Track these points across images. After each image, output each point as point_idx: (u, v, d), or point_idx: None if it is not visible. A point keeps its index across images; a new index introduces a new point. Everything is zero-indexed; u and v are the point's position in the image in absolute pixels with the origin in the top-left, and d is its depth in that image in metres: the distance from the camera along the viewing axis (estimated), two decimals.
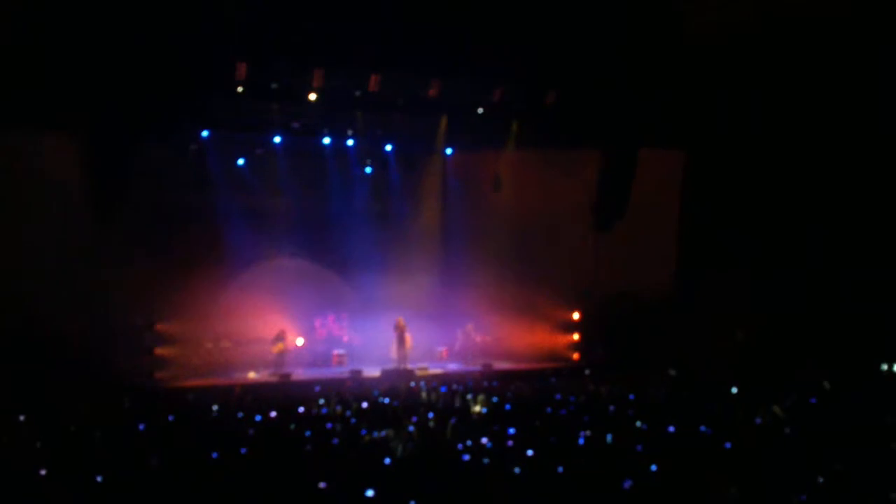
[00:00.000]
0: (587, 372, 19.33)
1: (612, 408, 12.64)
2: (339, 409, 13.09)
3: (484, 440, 9.87)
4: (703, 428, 10.61)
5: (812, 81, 18.21)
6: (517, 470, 8.34)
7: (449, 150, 24.14)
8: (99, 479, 8.16)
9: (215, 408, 13.52)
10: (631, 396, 14.08)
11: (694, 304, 20.69)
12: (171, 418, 12.31)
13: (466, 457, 8.98)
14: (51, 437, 10.64)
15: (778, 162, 19.68)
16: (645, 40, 18.37)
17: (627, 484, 7.81)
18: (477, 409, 12.92)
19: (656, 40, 18.27)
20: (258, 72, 18.66)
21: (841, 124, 18.43)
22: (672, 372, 17.72)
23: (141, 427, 11.38)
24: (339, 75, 19.21)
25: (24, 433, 11.12)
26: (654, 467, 8.40)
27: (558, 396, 14.00)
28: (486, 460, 8.94)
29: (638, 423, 11.13)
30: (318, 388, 16.82)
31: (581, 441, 10.00)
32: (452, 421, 11.10)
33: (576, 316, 23.68)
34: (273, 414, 12.50)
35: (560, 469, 8.33)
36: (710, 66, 18.71)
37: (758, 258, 20.07)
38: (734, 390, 14.37)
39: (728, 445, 9.49)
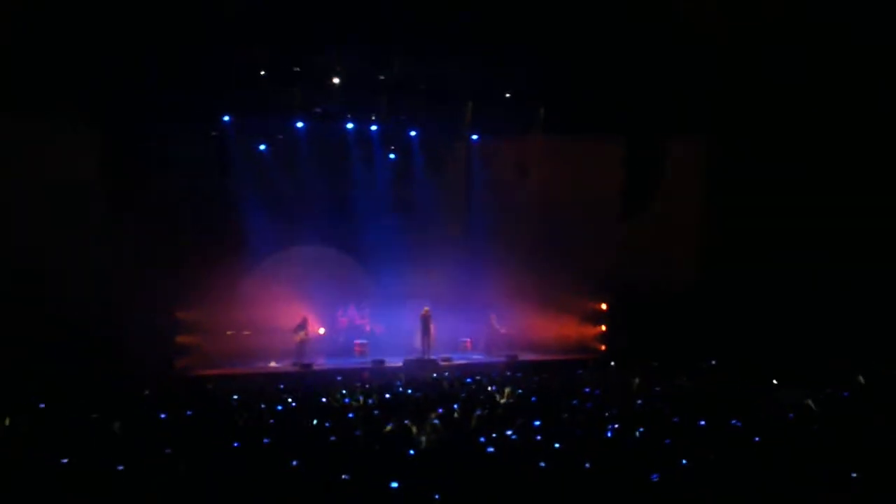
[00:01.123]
0: (612, 364, 19.11)
1: (639, 401, 12.42)
2: (361, 399, 12.96)
3: (509, 432, 9.70)
4: (734, 421, 10.41)
5: (839, 64, 17.83)
6: (542, 463, 8.17)
7: (475, 137, 23.93)
8: (120, 468, 8.05)
9: (236, 397, 13.42)
10: (656, 389, 13.87)
11: (722, 294, 20.41)
12: (191, 408, 12.21)
13: (491, 449, 8.80)
14: (71, 425, 10.58)
15: (805, 151, 19.33)
16: (667, 24, 18.06)
17: (655, 477, 7.64)
18: (502, 400, 12.73)
19: (681, 24, 17.93)
20: (280, 55, 18.49)
21: (871, 106, 18.07)
22: (703, 364, 17.48)
23: (161, 416, 11.30)
24: (363, 59, 19.01)
25: (45, 422, 11.07)
26: (683, 461, 8.21)
27: (587, 390, 13.76)
28: (511, 453, 8.78)
29: (667, 416, 10.94)
30: (339, 378, 16.72)
31: (608, 434, 9.80)
32: (477, 412, 10.93)
33: (603, 306, 23.47)
34: (294, 404, 12.40)
35: (586, 462, 8.14)
36: (736, 51, 18.37)
37: (785, 246, 19.75)
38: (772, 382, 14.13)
39: (757, 439, 9.27)
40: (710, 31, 17.63)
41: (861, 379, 14.18)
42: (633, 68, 19.36)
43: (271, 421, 10.95)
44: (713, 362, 18.04)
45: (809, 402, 11.69)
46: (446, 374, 17.14)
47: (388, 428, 10.20)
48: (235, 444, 9.06)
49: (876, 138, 18.35)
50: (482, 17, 17.23)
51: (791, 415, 11.00)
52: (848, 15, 16.01)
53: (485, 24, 17.45)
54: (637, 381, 14.81)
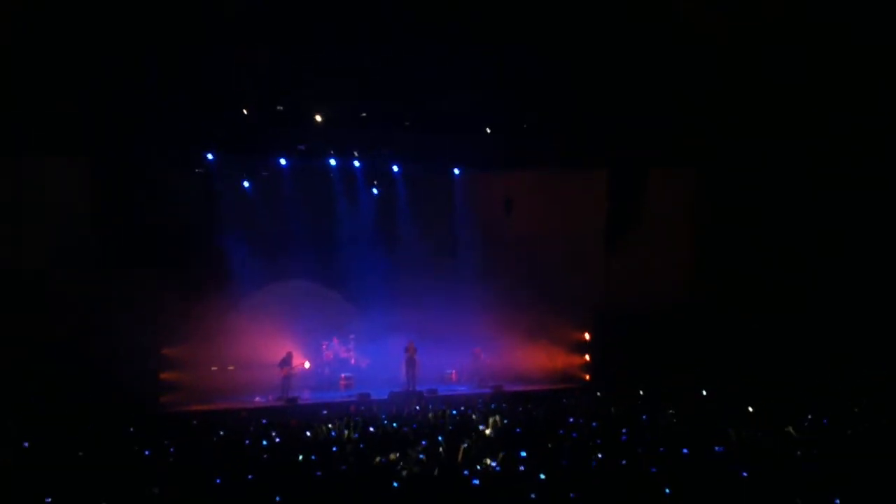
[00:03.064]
0: (599, 394, 19.16)
1: (624, 430, 12.45)
2: (346, 433, 12.94)
3: (493, 464, 9.72)
4: (718, 448, 10.49)
5: (822, 90, 18.01)
6: (529, 494, 8.20)
7: (457, 171, 24.11)
8: None
9: (221, 433, 13.37)
10: (644, 417, 13.90)
11: (708, 322, 20.53)
12: (176, 443, 12.17)
13: (476, 481, 8.81)
14: (56, 463, 10.53)
15: (790, 176, 19.54)
16: (652, 54, 18.21)
17: None
18: (487, 431, 12.75)
19: (663, 54, 18.08)
20: (263, 94, 18.58)
21: (851, 134, 18.26)
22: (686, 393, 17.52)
23: (146, 453, 11.26)
24: (344, 97, 19.10)
25: (29, 460, 11.01)
26: (667, 490, 8.27)
27: (570, 420, 13.79)
28: (496, 484, 8.81)
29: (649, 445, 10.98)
30: (325, 412, 16.68)
31: (593, 464, 9.84)
32: (464, 445, 10.94)
33: (587, 336, 23.55)
34: (278, 439, 12.36)
35: (572, 493, 8.18)
36: (717, 76, 18.53)
37: (773, 273, 19.91)
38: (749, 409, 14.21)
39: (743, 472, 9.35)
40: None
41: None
42: (618, 99, 19.49)
43: (265, 456, 10.91)
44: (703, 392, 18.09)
45: (790, 429, 11.78)
46: (431, 405, 17.11)
47: (377, 461, 10.21)
48: (218, 481, 9.03)
49: (872, 156, 18.46)
50: (464, 51, 17.37)
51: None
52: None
53: (466, 58, 17.60)
54: (618, 410, 14.90)
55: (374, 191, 23.83)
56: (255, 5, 15.42)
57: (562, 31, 16.87)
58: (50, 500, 8.32)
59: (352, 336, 23.18)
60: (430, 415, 15.11)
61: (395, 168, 23.51)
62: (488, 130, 21.10)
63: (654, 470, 9.24)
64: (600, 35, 17.03)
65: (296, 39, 16.46)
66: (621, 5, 16.59)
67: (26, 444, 11.97)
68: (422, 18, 16.15)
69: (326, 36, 16.49)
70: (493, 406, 16.65)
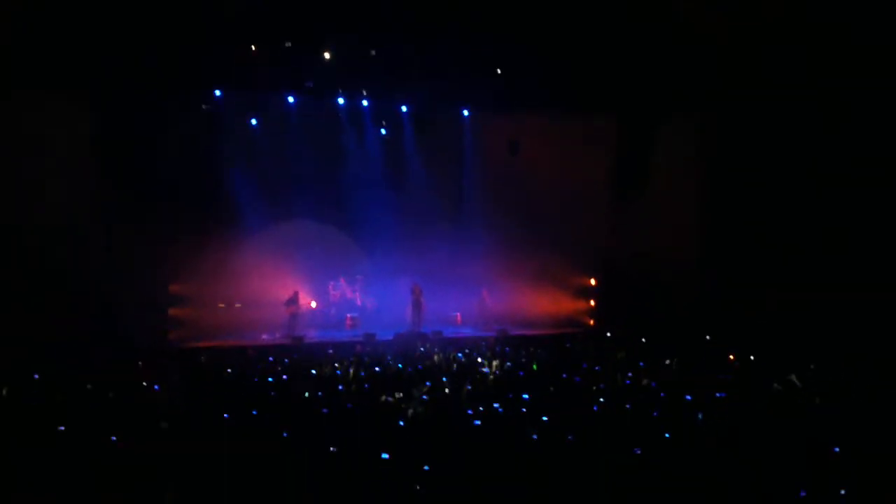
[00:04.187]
0: (608, 334, 19.32)
1: (628, 374, 12.59)
2: (351, 371, 13.10)
3: (496, 405, 9.84)
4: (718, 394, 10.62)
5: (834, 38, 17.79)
6: (532, 435, 8.32)
7: (466, 112, 23.95)
8: (113, 438, 8.17)
9: (228, 370, 13.54)
10: (641, 364, 14.01)
11: (714, 271, 20.54)
12: (184, 379, 12.35)
13: (478, 422, 8.95)
14: (66, 395, 10.69)
15: (798, 126, 19.36)
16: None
17: (638, 451, 7.81)
18: (490, 374, 12.88)
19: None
20: (271, 31, 18.35)
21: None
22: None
23: (155, 388, 11.42)
24: (352, 36, 18.87)
25: (40, 391, 11.17)
26: (667, 434, 8.37)
27: (573, 364, 13.92)
28: (498, 425, 8.95)
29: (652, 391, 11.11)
30: (331, 351, 16.85)
31: (594, 408, 9.96)
32: (468, 387, 11.08)
33: (592, 282, 23.63)
34: (285, 377, 12.52)
35: (570, 436, 8.29)
36: (725, 27, 18.30)
37: (779, 225, 19.83)
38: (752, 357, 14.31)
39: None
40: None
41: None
42: (629, 47, 19.26)
43: (272, 393, 11.06)
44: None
45: (794, 378, 11.86)
46: (436, 347, 17.26)
47: (382, 399, 10.35)
48: (226, 416, 9.17)
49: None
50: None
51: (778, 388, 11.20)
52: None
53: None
54: (622, 355, 15.01)
55: (382, 131, 23.66)
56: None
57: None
58: (63, 428, 8.47)
59: (359, 277, 23.27)
60: (434, 356, 15.26)
61: (404, 108, 23.30)
62: (499, 71, 20.83)
63: (655, 414, 9.38)
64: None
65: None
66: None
67: (36, 376, 12.17)
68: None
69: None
70: (497, 349, 16.79)
